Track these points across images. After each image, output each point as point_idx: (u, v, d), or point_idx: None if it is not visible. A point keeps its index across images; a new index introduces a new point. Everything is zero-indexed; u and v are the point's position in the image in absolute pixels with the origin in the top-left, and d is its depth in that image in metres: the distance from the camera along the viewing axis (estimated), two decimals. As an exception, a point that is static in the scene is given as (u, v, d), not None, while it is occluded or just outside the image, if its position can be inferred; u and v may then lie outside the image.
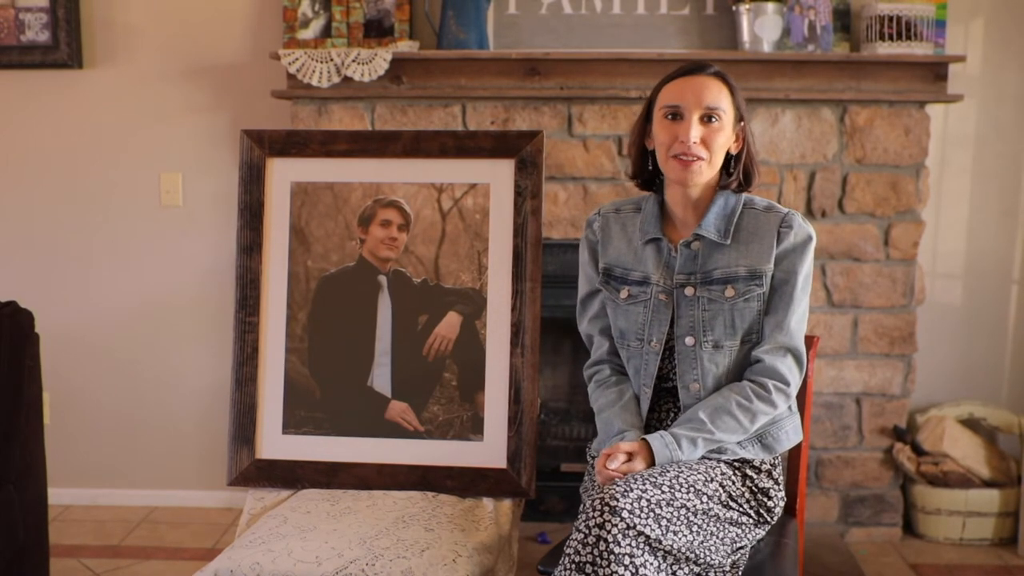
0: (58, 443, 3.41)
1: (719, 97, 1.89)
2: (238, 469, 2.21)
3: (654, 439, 1.80)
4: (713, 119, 1.87)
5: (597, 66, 3.07)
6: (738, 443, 1.88)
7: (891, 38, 3.04)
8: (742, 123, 1.93)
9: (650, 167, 1.98)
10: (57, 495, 3.27)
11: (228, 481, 2.23)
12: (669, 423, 1.96)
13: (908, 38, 3.04)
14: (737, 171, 1.93)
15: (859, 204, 3.13)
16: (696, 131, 1.87)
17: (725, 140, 1.90)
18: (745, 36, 3.08)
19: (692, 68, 1.91)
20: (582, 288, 2.08)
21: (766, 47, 3.08)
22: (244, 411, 2.23)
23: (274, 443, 2.22)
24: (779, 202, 3.10)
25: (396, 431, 2.20)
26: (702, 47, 3.17)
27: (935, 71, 3.05)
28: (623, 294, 1.97)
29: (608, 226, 2.03)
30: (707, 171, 1.89)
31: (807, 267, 1.91)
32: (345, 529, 1.94)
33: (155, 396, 3.47)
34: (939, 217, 3.33)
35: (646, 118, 1.97)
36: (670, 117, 1.89)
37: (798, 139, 3.11)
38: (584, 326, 2.09)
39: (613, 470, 1.76)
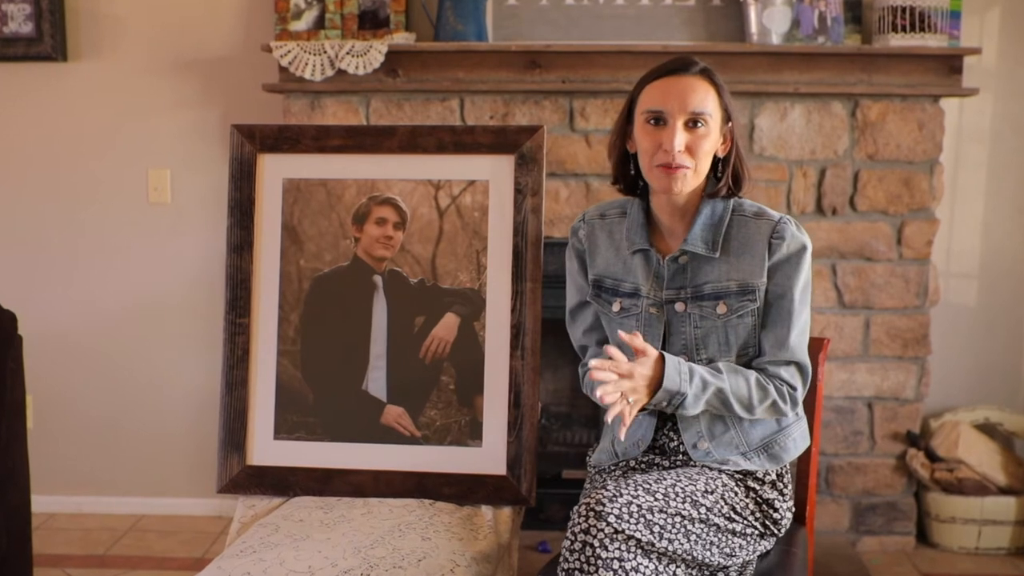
0: (42, 449, 3.41)
1: (705, 100, 1.82)
2: (228, 476, 2.21)
3: (669, 360, 1.74)
4: (699, 124, 1.81)
5: (600, 59, 3.07)
6: (743, 455, 1.87)
7: (904, 30, 3.04)
8: (730, 124, 1.87)
9: (632, 171, 1.93)
10: (41, 503, 3.27)
11: (218, 488, 2.22)
12: (669, 436, 1.94)
13: (922, 30, 3.04)
14: (726, 176, 1.88)
15: (871, 202, 3.13)
16: (681, 139, 1.80)
17: (711, 145, 1.84)
18: (753, 28, 3.08)
19: (676, 67, 1.84)
20: (572, 298, 2.04)
21: (775, 39, 3.08)
22: (234, 416, 2.22)
23: (265, 449, 2.22)
24: (789, 200, 3.11)
25: (392, 436, 2.20)
26: (708, 39, 3.17)
27: (949, 64, 3.05)
28: (615, 307, 1.94)
29: (594, 234, 1.99)
30: (693, 179, 1.84)
31: (803, 278, 1.86)
32: (339, 538, 1.94)
33: (142, 400, 3.47)
34: (954, 215, 3.33)
35: (627, 119, 1.90)
36: (653, 122, 1.83)
37: (808, 134, 3.11)
38: (577, 337, 2.06)
39: (608, 368, 1.69)
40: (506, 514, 2.12)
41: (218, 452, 2.23)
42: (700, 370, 1.79)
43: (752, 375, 1.83)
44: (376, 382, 2.22)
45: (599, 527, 1.63)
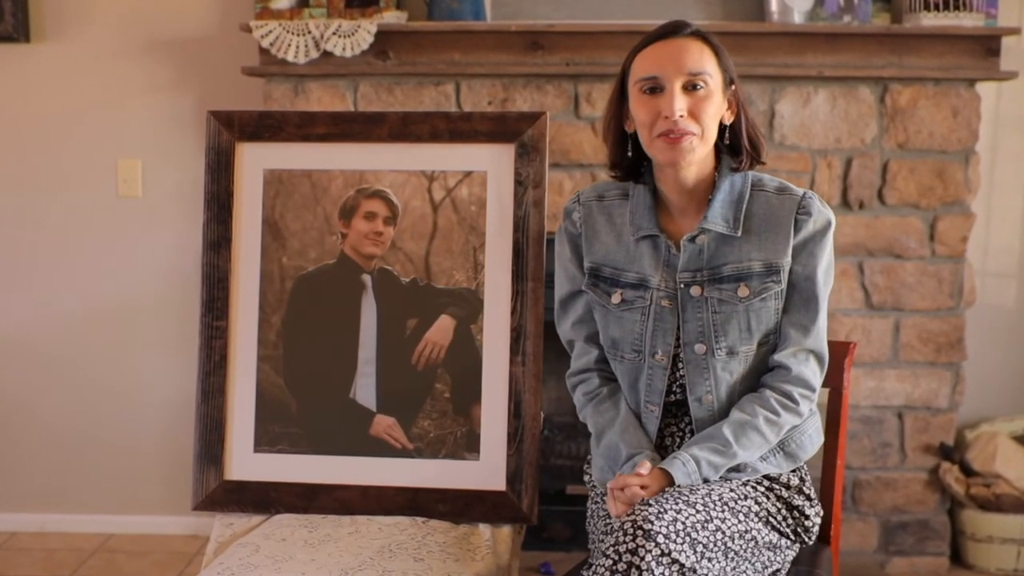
0: (2, 463, 3.41)
1: (702, 60, 1.82)
2: (204, 492, 2.21)
3: (676, 469, 1.78)
4: (698, 87, 1.81)
5: (607, 39, 3.07)
6: (759, 457, 1.89)
7: (937, 8, 3.04)
8: (733, 87, 1.87)
9: (630, 153, 1.92)
10: (1, 521, 3.27)
11: (193, 505, 2.23)
12: (676, 445, 1.95)
13: (956, 8, 3.04)
14: (742, 144, 1.87)
15: (901, 194, 3.13)
16: (681, 102, 1.80)
17: (716, 109, 1.84)
18: (773, 6, 3.08)
19: (666, 31, 1.85)
20: (561, 287, 2.03)
21: (797, 18, 3.08)
22: (211, 426, 2.23)
23: (245, 462, 2.22)
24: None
25: (382, 449, 2.20)
26: (724, 18, 3.17)
27: (986, 45, 3.05)
28: (615, 298, 1.93)
29: (592, 217, 1.98)
30: (700, 147, 1.83)
31: (828, 257, 1.89)
32: (325, 559, 1.94)
33: (111, 410, 3.47)
34: (991, 209, 3.34)
35: (620, 95, 1.90)
36: (648, 91, 1.83)
37: (833, 121, 3.11)
38: (565, 330, 2.05)
39: (627, 501, 1.75)
40: (505, 533, 2.12)
41: (193, 466, 2.23)
42: (705, 456, 1.80)
43: (759, 415, 1.83)
44: (365, 390, 2.22)
45: (648, 547, 1.62)
